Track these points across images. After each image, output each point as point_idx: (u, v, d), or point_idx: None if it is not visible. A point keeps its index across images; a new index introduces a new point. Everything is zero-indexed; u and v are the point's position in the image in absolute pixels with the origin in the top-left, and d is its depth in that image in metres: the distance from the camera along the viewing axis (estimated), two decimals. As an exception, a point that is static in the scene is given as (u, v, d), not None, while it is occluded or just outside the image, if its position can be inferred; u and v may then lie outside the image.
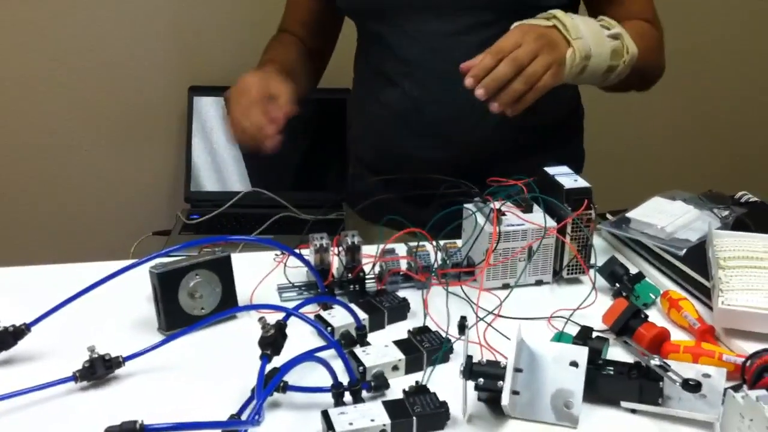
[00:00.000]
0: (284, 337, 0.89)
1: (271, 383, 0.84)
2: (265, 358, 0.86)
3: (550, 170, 1.17)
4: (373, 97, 1.45)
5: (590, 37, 1.21)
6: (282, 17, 1.58)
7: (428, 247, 1.15)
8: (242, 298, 1.08)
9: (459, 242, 1.17)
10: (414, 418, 0.84)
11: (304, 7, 1.54)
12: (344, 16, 1.53)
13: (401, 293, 1.10)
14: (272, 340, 0.87)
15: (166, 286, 1.01)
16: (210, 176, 2.38)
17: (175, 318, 1.02)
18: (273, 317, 0.91)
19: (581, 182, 1.14)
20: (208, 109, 2.36)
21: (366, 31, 1.46)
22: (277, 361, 0.88)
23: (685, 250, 1.17)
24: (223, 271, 1.05)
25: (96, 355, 0.92)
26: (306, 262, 1.08)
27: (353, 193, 1.57)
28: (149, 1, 2.32)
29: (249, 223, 2.28)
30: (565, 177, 1.15)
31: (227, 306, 1.04)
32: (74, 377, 0.91)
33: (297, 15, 1.55)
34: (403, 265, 1.14)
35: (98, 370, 0.92)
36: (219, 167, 2.38)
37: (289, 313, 0.91)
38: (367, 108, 1.49)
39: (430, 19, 1.34)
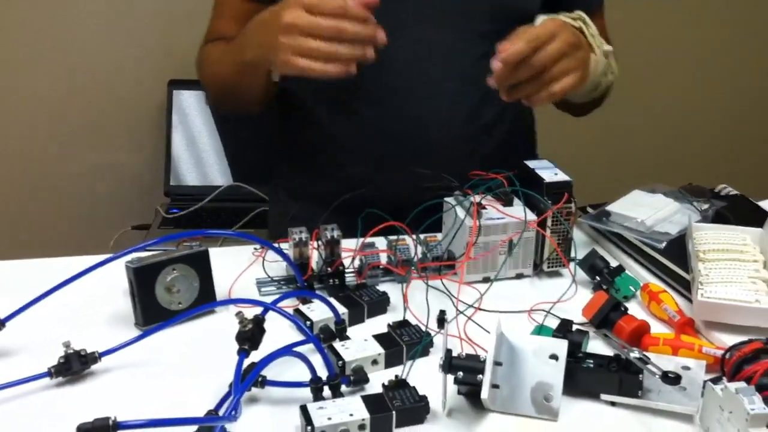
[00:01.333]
0: (262, 331, 0.88)
1: (248, 378, 0.83)
2: (243, 353, 0.85)
3: (531, 164, 1.17)
4: (343, 116, 1.34)
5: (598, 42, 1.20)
6: (211, 24, 1.39)
7: (408, 240, 1.15)
8: (221, 293, 1.07)
9: (439, 236, 1.17)
10: (393, 412, 0.84)
11: (249, 11, 1.30)
12: None
13: (381, 287, 1.10)
14: (250, 335, 0.86)
15: (142, 280, 1.00)
16: (190, 170, 2.37)
17: (151, 313, 1.00)
18: (251, 312, 0.90)
19: (561, 176, 1.13)
20: (188, 102, 2.35)
21: None
22: (255, 356, 0.87)
23: (665, 243, 1.17)
24: (201, 265, 1.04)
25: (71, 351, 0.91)
26: (285, 256, 1.08)
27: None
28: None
29: (229, 217, 2.27)
30: (546, 171, 1.15)
31: (205, 301, 1.03)
32: (49, 373, 0.90)
33: (234, 19, 1.33)
34: (383, 258, 1.14)
35: (74, 366, 0.91)
36: (199, 161, 2.37)
37: (267, 308, 0.91)
38: (329, 131, 1.36)
39: (431, 29, 1.27)
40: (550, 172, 1.14)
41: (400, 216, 1.11)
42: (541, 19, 1.16)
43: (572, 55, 1.14)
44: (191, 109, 2.36)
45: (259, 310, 0.91)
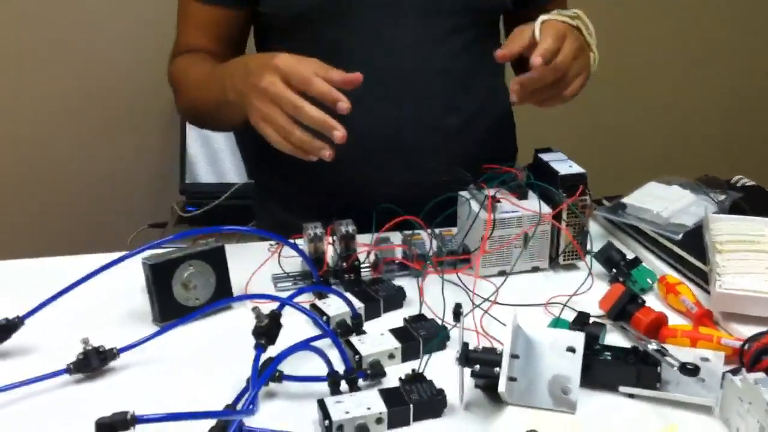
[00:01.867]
0: (279, 326, 0.88)
1: (265, 373, 0.83)
2: (260, 348, 0.85)
3: (545, 156, 1.17)
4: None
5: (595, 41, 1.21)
6: (178, 35, 1.35)
7: (423, 235, 1.14)
8: (237, 289, 1.07)
9: (454, 230, 1.17)
10: (411, 405, 0.84)
11: (214, 19, 1.30)
12: (267, 23, 1.32)
13: (397, 282, 1.10)
14: (266, 330, 0.86)
15: (159, 277, 1.00)
16: (205, 168, 2.37)
17: (169, 309, 1.01)
18: (268, 308, 0.91)
19: (576, 168, 1.13)
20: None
21: (319, 42, 1.26)
22: (272, 351, 0.88)
23: (681, 235, 1.16)
24: (217, 261, 1.04)
25: (90, 347, 0.92)
26: (300, 252, 1.08)
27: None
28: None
29: (245, 214, 2.26)
30: (560, 163, 1.14)
31: (221, 297, 1.04)
32: (68, 369, 0.91)
33: (206, 31, 1.31)
34: (398, 253, 1.14)
35: (92, 362, 0.91)
36: (214, 159, 2.37)
37: (284, 303, 0.91)
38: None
39: (406, 24, 1.26)
40: (564, 165, 1.14)
41: (415, 211, 1.11)
42: (540, 21, 1.14)
43: (580, 58, 1.15)
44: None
45: (275, 305, 0.91)
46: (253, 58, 1.15)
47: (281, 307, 0.90)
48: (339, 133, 1.03)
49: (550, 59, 1.10)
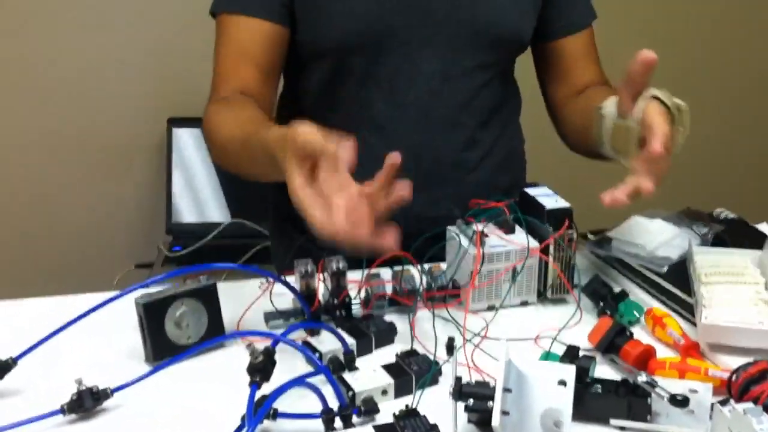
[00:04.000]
0: (273, 363, 0.88)
1: (260, 410, 0.84)
2: (255, 385, 0.86)
3: (531, 191, 1.18)
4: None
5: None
6: (218, 69, 1.29)
7: (413, 270, 1.16)
8: (229, 327, 1.08)
9: (443, 265, 1.18)
10: (405, 441, 0.84)
11: (263, 39, 1.27)
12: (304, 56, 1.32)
13: (388, 317, 1.10)
14: (261, 367, 0.86)
15: (151, 316, 1.01)
16: (191, 208, 2.38)
17: (161, 348, 1.01)
18: (261, 345, 0.91)
19: (562, 202, 1.15)
20: (187, 140, 2.37)
21: (349, 72, 1.29)
22: (266, 388, 0.88)
23: (666, 267, 1.18)
24: (209, 299, 1.04)
25: (83, 388, 0.92)
26: (291, 289, 1.08)
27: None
28: (127, 34, 2.32)
29: (231, 253, 2.28)
30: (546, 198, 1.16)
31: (214, 335, 1.04)
32: (62, 410, 0.91)
33: (251, 53, 1.27)
34: (389, 289, 1.15)
35: (86, 403, 0.91)
36: (200, 199, 2.38)
37: (277, 339, 0.91)
38: None
39: (431, 59, 1.28)
40: (550, 199, 1.15)
41: (404, 246, 1.12)
42: (644, 100, 1.11)
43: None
44: (190, 147, 2.38)
45: (268, 342, 0.92)
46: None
47: (275, 343, 0.91)
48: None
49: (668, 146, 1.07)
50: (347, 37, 1.26)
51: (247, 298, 1.15)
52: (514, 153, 1.48)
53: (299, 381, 0.89)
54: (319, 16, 1.26)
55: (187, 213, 2.38)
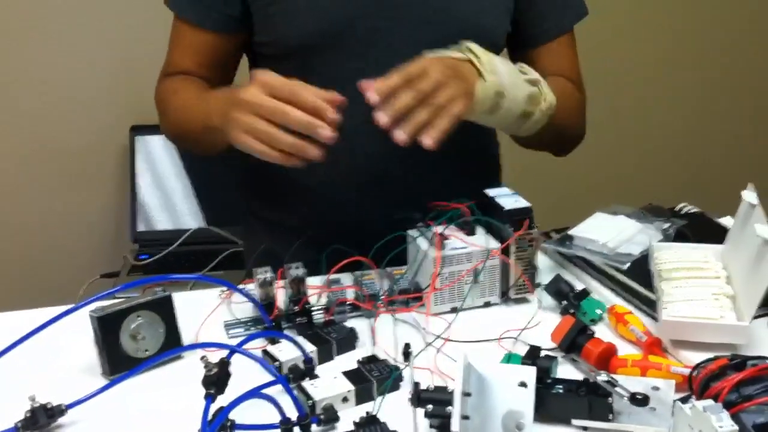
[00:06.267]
0: (228, 375, 0.87)
1: (215, 422, 0.82)
2: (210, 398, 0.84)
3: (491, 192, 1.18)
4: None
5: (506, 76, 1.17)
6: (168, 55, 1.36)
7: (374, 275, 1.15)
8: (189, 337, 1.06)
9: (404, 268, 1.17)
10: (365, 449, 0.83)
11: (205, 43, 1.31)
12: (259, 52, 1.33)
13: (350, 323, 1.09)
14: (215, 379, 0.85)
15: (107, 329, 0.99)
16: (158, 215, 2.36)
17: (118, 361, 0.99)
18: (219, 355, 0.90)
19: (522, 202, 1.14)
20: (153, 147, 2.34)
21: (312, 73, 1.21)
22: (224, 400, 0.86)
23: (628, 264, 1.18)
24: (165, 311, 1.03)
25: (37, 404, 0.90)
26: (250, 297, 1.07)
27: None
28: (88, 42, 2.30)
29: (200, 260, 2.26)
30: (506, 198, 1.15)
31: (171, 346, 1.03)
32: (16, 429, 0.89)
33: (196, 55, 1.32)
34: (350, 294, 1.14)
35: (40, 420, 0.90)
36: (166, 205, 2.36)
37: (233, 350, 0.90)
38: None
39: (400, 61, 1.19)
40: (510, 199, 1.15)
41: (366, 250, 1.11)
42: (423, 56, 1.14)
43: (451, 84, 1.10)
44: (156, 154, 2.35)
45: (226, 353, 0.90)
46: (233, 89, 1.15)
47: (230, 354, 0.90)
48: (326, 132, 1.03)
49: (385, 91, 1.06)
50: (308, 37, 1.25)
51: (208, 308, 1.14)
52: (489, 156, 1.46)
53: (255, 392, 0.87)
54: (278, 15, 1.25)
55: (154, 221, 2.36)
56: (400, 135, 1.07)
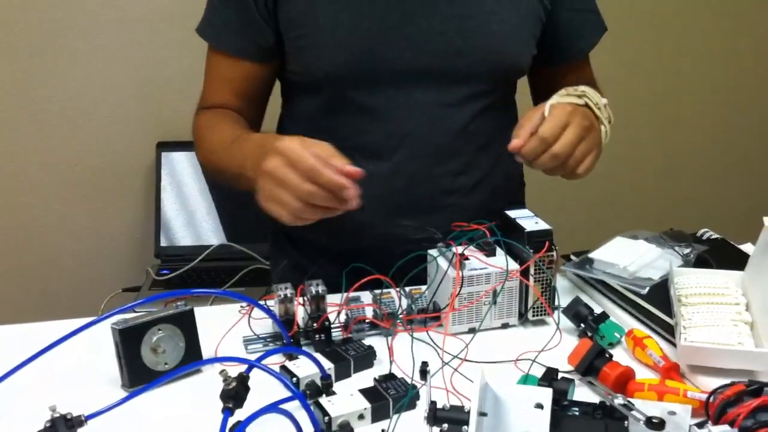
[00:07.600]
0: (246, 389, 0.88)
1: (233, 437, 0.83)
2: (227, 412, 0.85)
3: (511, 213, 1.18)
4: None
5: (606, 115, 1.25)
6: (204, 89, 1.39)
7: (393, 293, 1.15)
8: (208, 351, 1.07)
9: (423, 288, 1.18)
10: (380, 466, 0.84)
11: (238, 73, 1.34)
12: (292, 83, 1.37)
13: (367, 341, 1.10)
14: (234, 393, 0.86)
15: (128, 341, 1.00)
16: (180, 231, 2.38)
17: (138, 374, 1.01)
18: (238, 370, 0.91)
19: (542, 224, 1.15)
20: (178, 163, 2.37)
21: (342, 101, 1.30)
22: (241, 414, 0.87)
23: (647, 289, 1.18)
24: (186, 325, 1.04)
25: (57, 415, 0.91)
26: (270, 313, 1.08)
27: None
28: (115, 60, 2.33)
29: (220, 276, 2.28)
30: (526, 220, 1.16)
31: (191, 360, 1.04)
32: (35, 438, 0.90)
33: (232, 85, 1.35)
34: (369, 312, 1.14)
35: (60, 430, 0.91)
36: (189, 222, 2.38)
37: (252, 365, 0.91)
38: None
39: (428, 88, 1.28)
40: (530, 221, 1.15)
41: (386, 268, 1.12)
42: (549, 105, 1.18)
43: (587, 138, 1.18)
44: (181, 170, 2.38)
45: (245, 368, 0.91)
46: (264, 140, 1.16)
47: (249, 369, 0.90)
48: (351, 192, 1.05)
49: (530, 159, 1.16)
50: (335, 68, 1.26)
51: (228, 323, 1.15)
52: (512, 176, 1.47)
53: (272, 407, 0.88)
54: (307, 48, 1.27)
55: (176, 236, 2.38)
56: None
